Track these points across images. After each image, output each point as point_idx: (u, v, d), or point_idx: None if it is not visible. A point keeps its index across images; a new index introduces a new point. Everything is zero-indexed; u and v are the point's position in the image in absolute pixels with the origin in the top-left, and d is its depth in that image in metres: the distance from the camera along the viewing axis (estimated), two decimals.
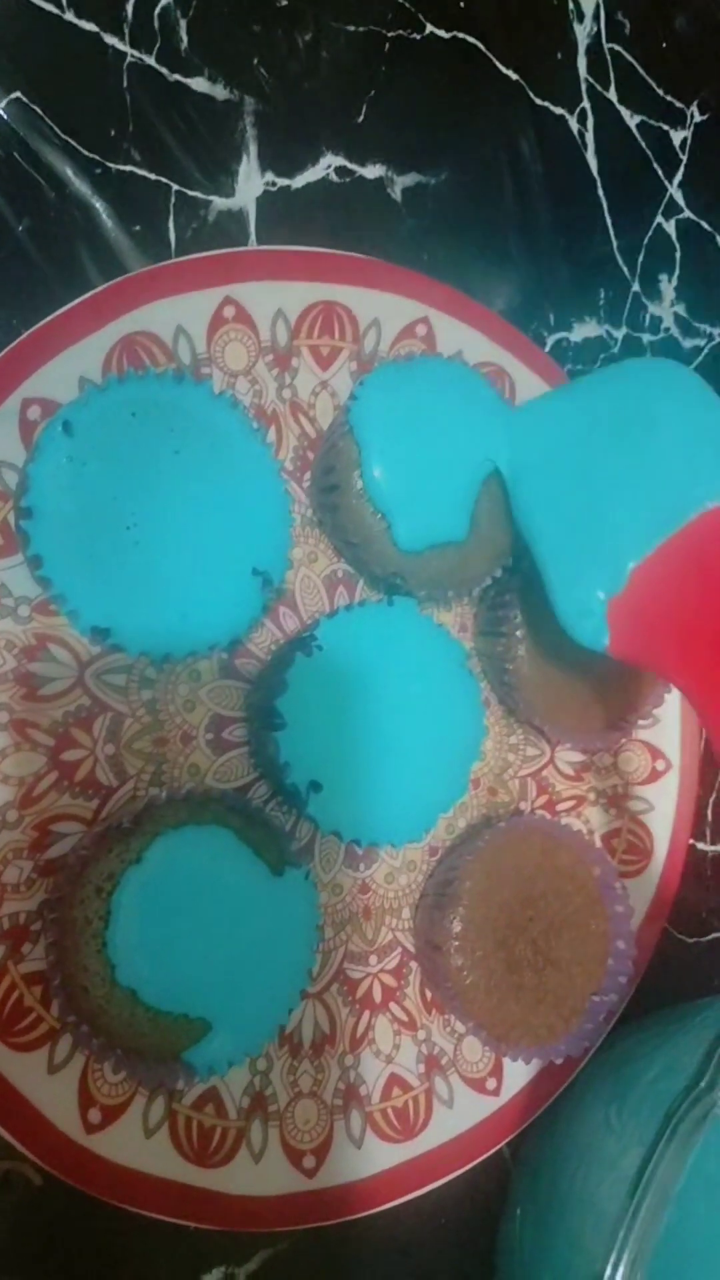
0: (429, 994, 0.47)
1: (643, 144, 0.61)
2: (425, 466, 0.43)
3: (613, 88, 0.60)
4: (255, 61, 0.48)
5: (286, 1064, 0.43)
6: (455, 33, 0.54)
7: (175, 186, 0.46)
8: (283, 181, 0.49)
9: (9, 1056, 0.37)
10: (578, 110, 0.58)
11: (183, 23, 0.46)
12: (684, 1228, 0.37)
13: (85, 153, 0.44)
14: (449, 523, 0.43)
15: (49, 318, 0.40)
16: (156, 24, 0.45)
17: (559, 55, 0.58)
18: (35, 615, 0.40)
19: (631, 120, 0.61)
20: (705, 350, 0.63)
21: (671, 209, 0.62)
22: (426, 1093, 0.46)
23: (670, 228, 0.62)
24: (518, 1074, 0.48)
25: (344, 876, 0.46)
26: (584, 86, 0.59)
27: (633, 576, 0.42)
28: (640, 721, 0.52)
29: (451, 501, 0.43)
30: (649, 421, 0.44)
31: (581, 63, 0.59)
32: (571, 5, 0.58)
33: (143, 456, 0.37)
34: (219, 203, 0.47)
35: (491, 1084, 0.48)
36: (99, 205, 0.44)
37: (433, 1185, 0.45)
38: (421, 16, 0.53)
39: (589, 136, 0.59)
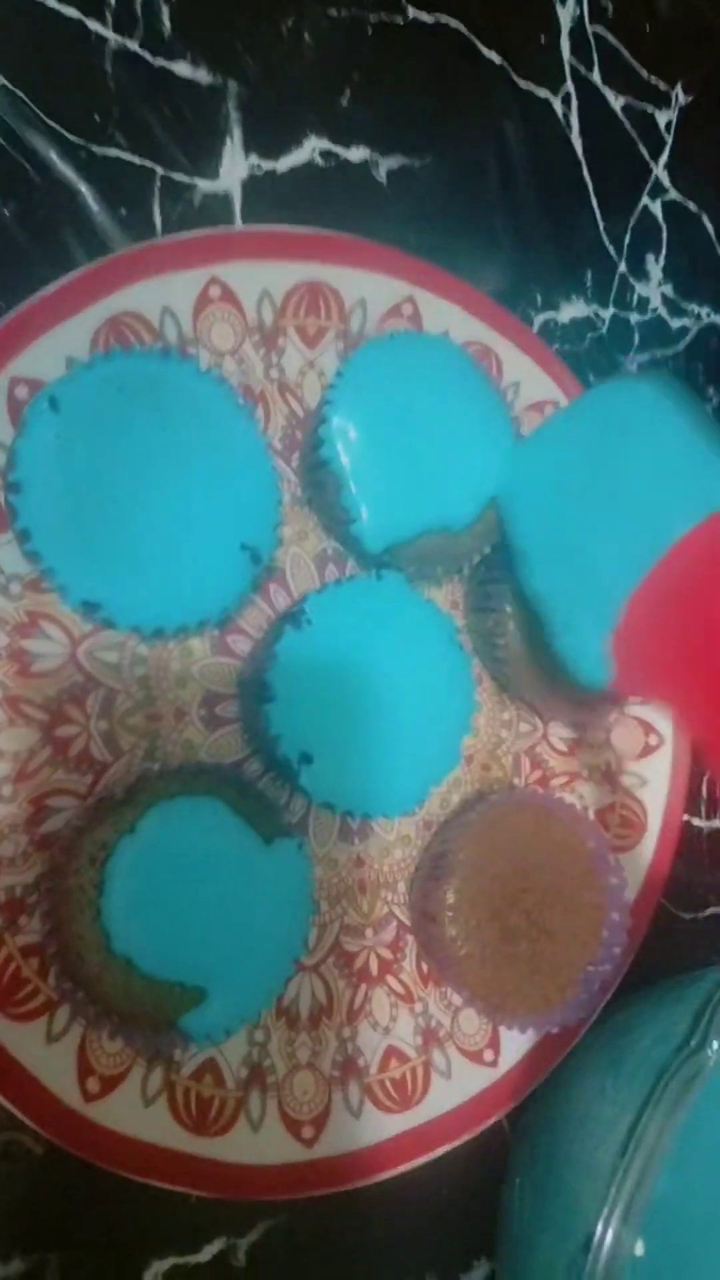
0: (425, 967, 0.47)
1: (628, 126, 0.62)
2: (408, 450, 0.43)
3: (596, 70, 0.60)
4: (238, 46, 0.48)
5: (284, 1036, 0.44)
6: (438, 16, 0.54)
7: (160, 170, 0.46)
8: (267, 164, 0.49)
9: (7, 1026, 0.38)
10: (562, 92, 0.59)
11: (165, 8, 0.46)
12: (680, 1188, 0.37)
13: (70, 137, 0.44)
14: (431, 511, 0.44)
15: (35, 297, 0.40)
16: (139, 9, 0.46)
17: (542, 38, 0.58)
18: (27, 592, 0.40)
19: (616, 102, 0.61)
20: (693, 330, 0.63)
21: (657, 190, 0.63)
22: (424, 1064, 0.47)
23: (656, 208, 0.63)
24: (515, 1046, 0.49)
25: (339, 851, 0.46)
26: (568, 69, 0.59)
27: (625, 611, 0.42)
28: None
29: (436, 485, 0.44)
30: (625, 449, 0.44)
31: (565, 45, 0.59)
32: None
33: (130, 432, 0.37)
34: (204, 186, 0.47)
35: (489, 1056, 0.48)
36: (84, 189, 0.45)
37: (431, 1155, 0.46)
38: (404, 0, 0.53)
39: (573, 119, 0.59)
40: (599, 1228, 0.35)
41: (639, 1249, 0.36)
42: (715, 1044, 0.37)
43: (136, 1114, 0.40)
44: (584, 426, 0.45)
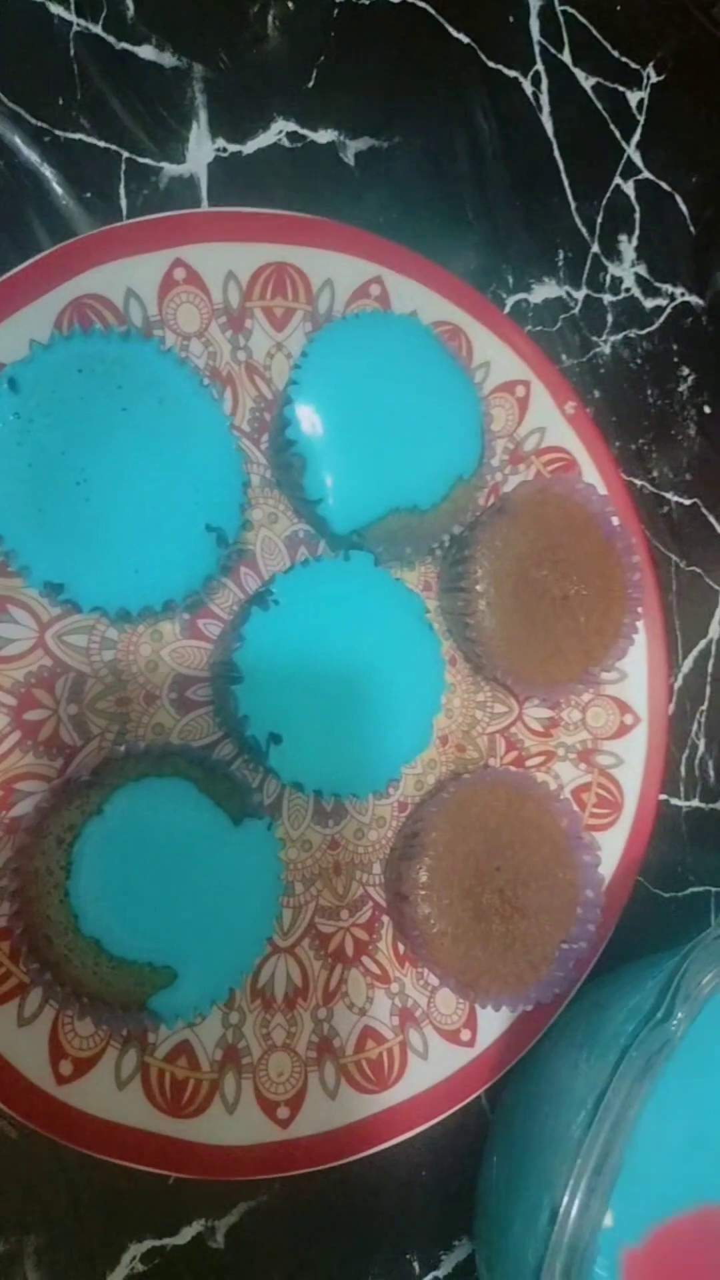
0: (401, 948, 0.48)
1: (599, 106, 0.62)
2: (374, 430, 0.43)
3: (566, 50, 0.60)
4: (203, 28, 0.48)
5: (259, 1017, 0.44)
6: None
7: (125, 154, 0.46)
8: (234, 147, 0.49)
9: None
10: (531, 73, 0.59)
11: None
12: (651, 1160, 0.38)
13: (33, 121, 0.44)
14: (399, 490, 0.44)
15: None
16: None
17: (511, 18, 0.58)
18: None
19: (587, 82, 0.61)
20: (667, 310, 0.63)
21: (630, 170, 0.63)
22: (401, 1044, 0.47)
23: (629, 188, 0.63)
24: (492, 1025, 0.49)
25: (312, 832, 0.46)
26: (537, 49, 0.59)
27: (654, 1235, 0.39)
28: (607, 676, 0.53)
29: (401, 467, 0.44)
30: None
31: (534, 25, 0.59)
32: None
33: (91, 413, 0.37)
34: (170, 169, 0.47)
35: (466, 1035, 0.48)
36: (48, 173, 0.44)
37: (408, 1134, 0.46)
38: None
39: (544, 99, 0.59)
40: (564, 1199, 0.35)
41: (608, 1220, 0.36)
42: (679, 1014, 0.37)
43: (110, 1096, 0.40)
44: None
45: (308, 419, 0.42)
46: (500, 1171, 0.45)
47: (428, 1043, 0.47)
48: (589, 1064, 0.43)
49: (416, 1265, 0.49)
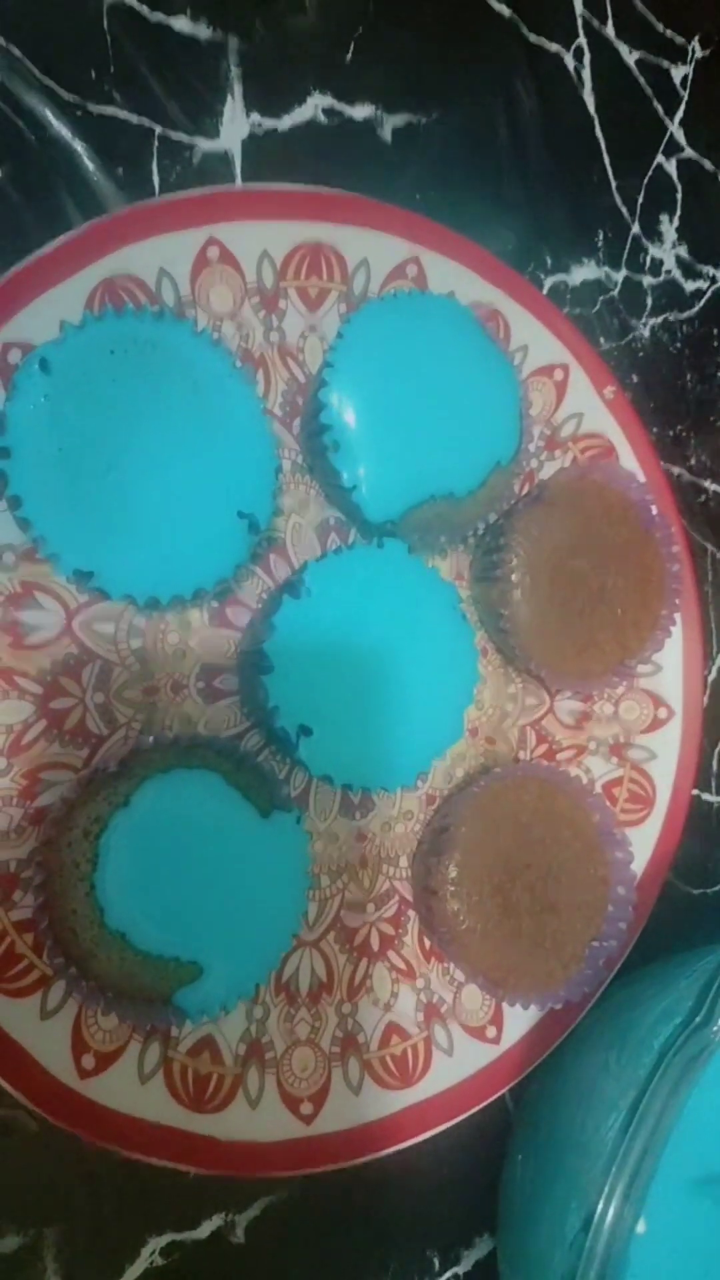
0: (428, 943, 0.47)
1: (642, 81, 0.60)
2: (410, 414, 0.42)
3: (610, 23, 0.58)
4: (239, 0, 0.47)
5: (283, 1011, 0.43)
6: None
7: (158, 129, 0.45)
8: (269, 123, 0.48)
9: (1, 1002, 0.38)
10: (574, 47, 0.57)
11: None
12: (683, 1166, 0.37)
13: (65, 95, 0.43)
14: (435, 477, 0.43)
15: (28, 260, 0.39)
16: None
17: None
18: (21, 563, 0.39)
19: (630, 57, 0.59)
20: (708, 293, 0.62)
21: (672, 148, 0.61)
22: (426, 1041, 0.46)
23: (671, 167, 0.61)
24: (518, 1022, 0.48)
25: (340, 825, 0.46)
26: (580, 22, 0.57)
27: None
28: (641, 668, 0.52)
29: (437, 453, 0.43)
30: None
31: None
32: None
33: (122, 395, 0.36)
34: (204, 145, 0.46)
35: (491, 1032, 0.47)
36: (80, 148, 0.43)
37: (433, 1131, 0.45)
38: None
39: (585, 74, 0.58)
40: (600, 1205, 0.34)
41: (641, 1227, 0.35)
42: None
43: (133, 1090, 0.40)
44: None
45: (343, 404, 0.41)
46: (525, 1170, 0.45)
47: (453, 1039, 0.47)
48: (619, 1065, 0.42)
49: (437, 1261, 0.49)
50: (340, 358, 0.41)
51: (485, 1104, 0.46)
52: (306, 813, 0.45)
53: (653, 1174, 0.34)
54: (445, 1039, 0.46)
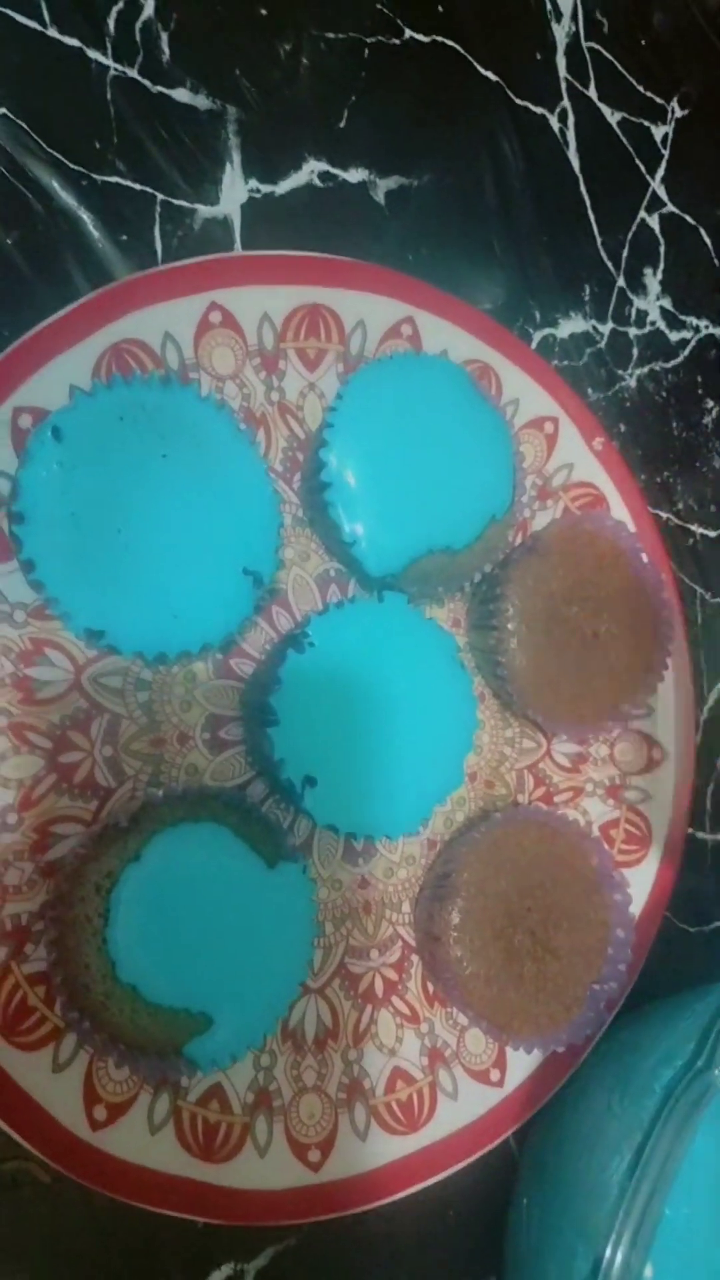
0: (431, 987, 0.47)
1: (624, 140, 0.62)
2: (408, 471, 0.43)
3: (593, 85, 0.61)
4: (237, 71, 0.49)
5: (290, 1059, 0.44)
6: (434, 36, 0.55)
7: (160, 196, 0.46)
8: (266, 188, 0.49)
9: (14, 1056, 0.38)
10: (558, 109, 0.59)
11: (164, 35, 0.47)
12: (688, 1210, 0.37)
13: (71, 165, 0.45)
14: (433, 531, 0.44)
15: (38, 327, 0.40)
16: (139, 37, 0.46)
17: (538, 55, 0.59)
18: (31, 620, 0.40)
19: (612, 117, 0.62)
20: (692, 342, 0.64)
21: (654, 204, 0.63)
22: (430, 1085, 0.46)
23: (654, 222, 0.63)
24: (521, 1065, 0.49)
25: (343, 872, 0.46)
26: (564, 85, 0.60)
27: None
28: (635, 711, 0.53)
29: (435, 507, 0.44)
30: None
31: (561, 62, 0.59)
32: (549, 5, 0.59)
33: (132, 460, 0.37)
34: (204, 211, 0.47)
35: (495, 1075, 0.48)
36: (85, 216, 0.45)
37: (439, 1177, 0.45)
38: (400, 21, 0.53)
39: (570, 135, 0.60)
40: (608, 1251, 0.35)
41: (648, 1271, 0.36)
42: None
43: (143, 1141, 0.40)
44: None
45: (343, 463, 0.42)
46: (530, 1213, 0.45)
47: (457, 1083, 0.47)
48: (622, 1107, 0.42)
49: None
50: (340, 418, 0.43)
51: (490, 1148, 0.47)
52: (310, 860, 0.46)
53: (659, 1218, 0.34)
54: (450, 1083, 0.47)
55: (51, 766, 0.41)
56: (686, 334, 0.64)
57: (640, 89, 0.63)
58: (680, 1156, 0.35)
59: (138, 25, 0.46)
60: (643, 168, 0.63)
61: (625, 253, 0.62)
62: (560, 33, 0.59)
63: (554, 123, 0.59)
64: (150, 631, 0.38)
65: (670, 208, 0.64)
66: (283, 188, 0.50)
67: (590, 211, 0.60)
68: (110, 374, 0.41)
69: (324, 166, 0.51)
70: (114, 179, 0.45)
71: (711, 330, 0.65)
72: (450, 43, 0.55)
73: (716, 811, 0.62)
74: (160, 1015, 0.37)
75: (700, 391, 0.64)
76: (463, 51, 0.56)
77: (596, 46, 0.61)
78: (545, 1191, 0.44)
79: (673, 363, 0.63)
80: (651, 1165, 0.35)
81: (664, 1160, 0.35)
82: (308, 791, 0.41)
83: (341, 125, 0.52)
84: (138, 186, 0.46)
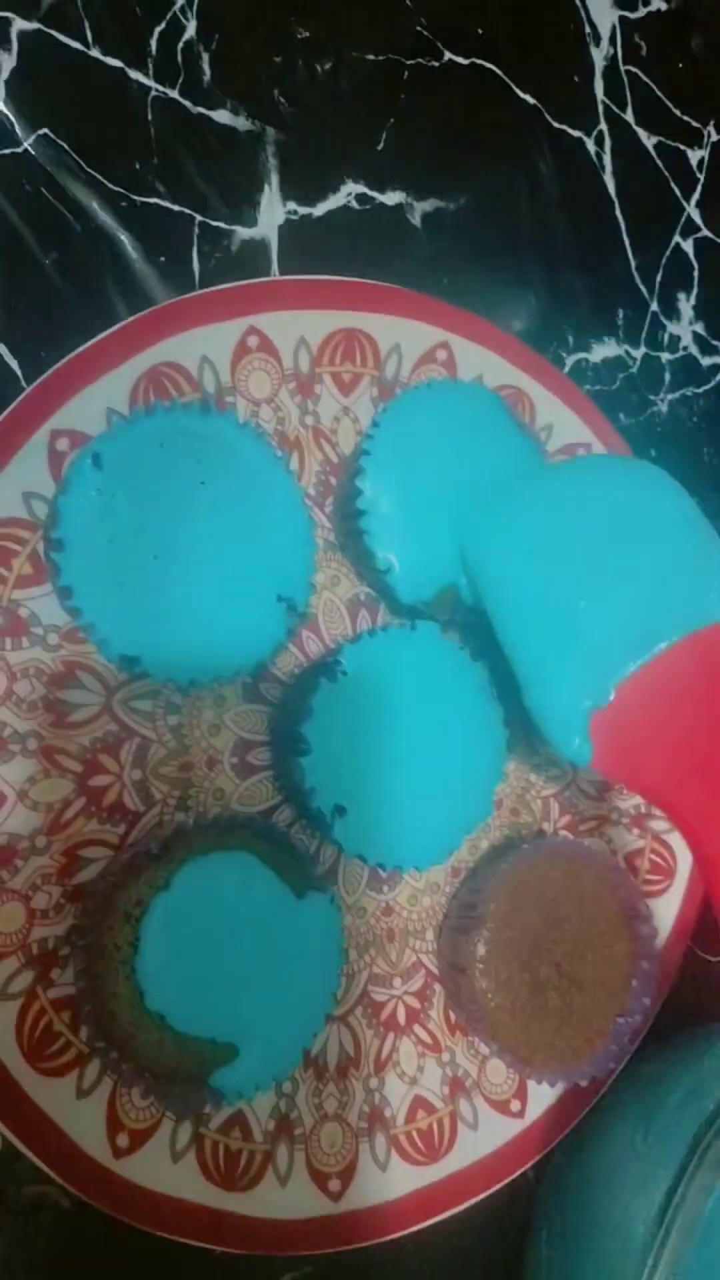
0: (453, 1016, 0.47)
1: (660, 164, 0.62)
2: (443, 499, 0.43)
3: (630, 109, 0.60)
4: (276, 92, 0.49)
5: (311, 1087, 0.44)
6: (473, 59, 0.54)
7: (199, 217, 0.46)
8: (304, 210, 0.49)
9: (38, 1082, 0.38)
10: (595, 132, 0.59)
11: (205, 56, 0.47)
12: (714, 1255, 0.37)
13: (110, 186, 0.45)
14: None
15: (76, 351, 0.40)
16: (180, 58, 0.46)
17: (576, 78, 0.58)
18: (64, 643, 0.40)
19: (649, 141, 0.61)
20: None
21: (689, 228, 0.63)
22: (451, 1115, 0.46)
23: (688, 246, 0.63)
24: (542, 1096, 0.48)
25: (368, 899, 0.46)
26: (601, 109, 0.59)
27: (617, 692, 0.41)
28: None
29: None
30: (634, 530, 0.43)
31: (599, 85, 0.59)
32: (588, 28, 0.59)
33: (170, 487, 0.37)
34: (242, 232, 0.47)
35: (516, 1106, 0.48)
36: (124, 237, 0.45)
37: (458, 1209, 0.45)
38: (440, 44, 0.53)
39: (606, 158, 0.59)
40: None
41: None
42: None
43: (165, 1169, 0.40)
44: (586, 491, 0.44)
45: (378, 491, 0.42)
46: (550, 1249, 0.45)
47: (478, 1113, 0.47)
48: (647, 1145, 0.42)
49: None
50: (376, 445, 0.42)
51: (510, 1179, 0.47)
52: (335, 886, 0.45)
53: (691, 1265, 0.34)
54: (470, 1113, 0.47)
55: (80, 790, 0.40)
56: (718, 359, 0.63)
57: (677, 113, 0.62)
58: (708, 1204, 0.35)
59: (179, 46, 0.46)
60: (678, 192, 0.62)
61: (659, 277, 0.61)
62: (598, 56, 0.59)
63: (590, 146, 0.59)
64: (185, 659, 0.38)
65: (705, 232, 0.63)
66: (320, 209, 0.50)
67: (625, 235, 0.60)
68: (148, 398, 0.41)
69: (362, 189, 0.51)
70: (153, 200, 0.45)
71: None
72: (489, 65, 0.55)
73: None
74: (187, 1045, 0.37)
75: None
76: (501, 74, 0.55)
77: (635, 70, 0.60)
78: (566, 1226, 0.44)
79: (704, 388, 0.63)
80: (681, 1213, 0.35)
81: (693, 1211, 0.35)
82: (337, 821, 0.40)
83: (380, 147, 0.51)
84: (176, 208, 0.46)
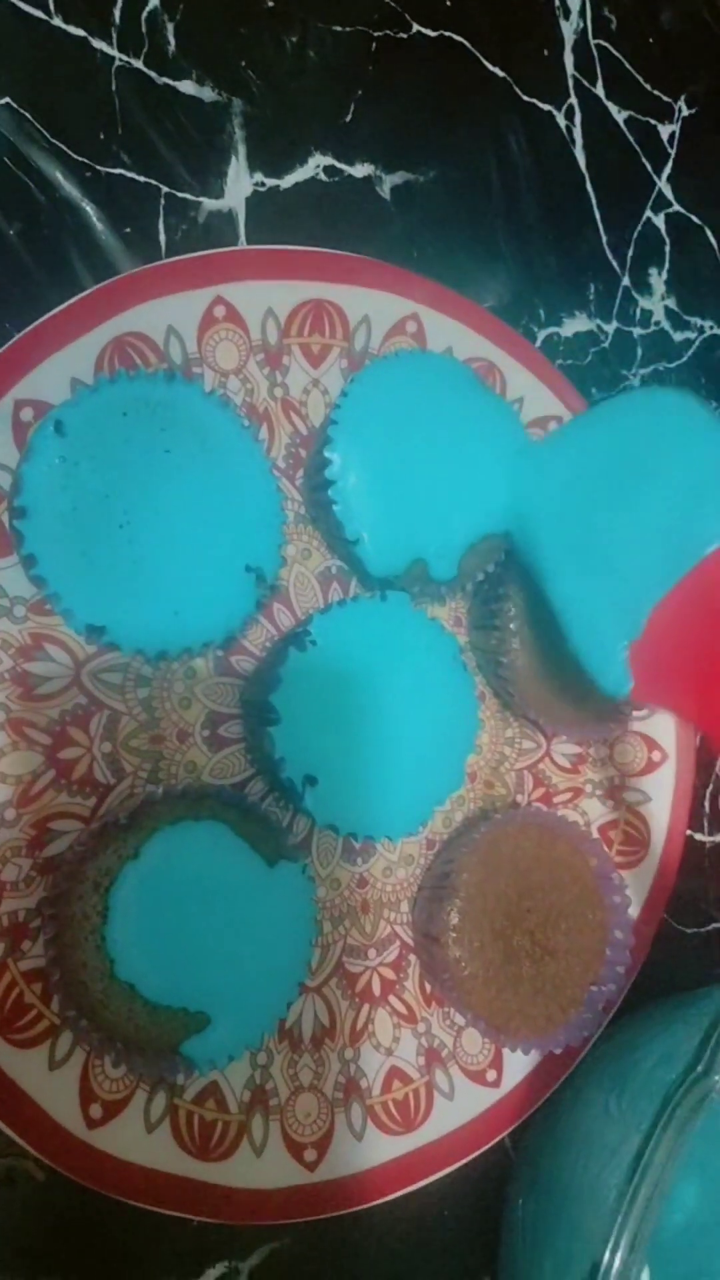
0: (428, 987, 0.47)
1: (631, 139, 0.62)
2: (413, 470, 0.43)
3: (600, 83, 0.60)
4: (243, 63, 0.48)
5: (287, 1058, 0.44)
6: (442, 31, 0.54)
7: (165, 188, 0.46)
8: (271, 182, 0.49)
9: (10, 1053, 0.38)
10: (565, 106, 0.59)
11: (170, 26, 0.46)
12: (686, 1214, 0.37)
13: (75, 156, 0.44)
14: (437, 533, 0.44)
15: (40, 320, 0.40)
16: (144, 27, 0.46)
17: (546, 52, 0.58)
18: (31, 615, 0.40)
19: (619, 115, 0.61)
20: (696, 343, 0.63)
21: (660, 203, 0.63)
22: (427, 1085, 0.46)
23: (660, 221, 0.63)
24: (518, 1065, 0.48)
25: (341, 871, 0.46)
26: (571, 83, 0.59)
27: (650, 620, 0.42)
28: (636, 713, 0.53)
29: (441, 504, 0.44)
30: (658, 457, 0.43)
31: (568, 59, 0.59)
32: (558, 1, 0.59)
33: (135, 455, 0.37)
34: (209, 204, 0.47)
35: (491, 1075, 0.48)
36: (89, 208, 0.44)
37: (434, 1177, 0.45)
38: (408, 16, 0.53)
39: (577, 132, 0.59)
40: (605, 1256, 0.35)
41: (645, 1276, 0.36)
42: None
43: (139, 1139, 0.40)
44: (605, 435, 0.45)
45: (347, 461, 0.42)
46: (526, 1214, 0.45)
47: (454, 1083, 0.47)
48: (620, 1110, 0.42)
49: None
50: (344, 416, 0.42)
51: (486, 1148, 0.47)
52: (309, 858, 0.45)
53: (657, 1224, 0.34)
54: (446, 1083, 0.47)
55: (50, 762, 0.40)
56: (691, 334, 0.63)
57: (648, 87, 0.62)
58: (679, 1162, 0.35)
59: (144, 16, 0.46)
60: (649, 166, 0.62)
61: (630, 252, 0.61)
62: (568, 29, 0.59)
63: (561, 120, 0.59)
64: (152, 629, 0.38)
65: (676, 207, 0.63)
66: (288, 181, 0.49)
67: (596, 210, 0.60)
68: (113, 368, 0.41)
69: (329, 161, 0.50)
70: (118, 171, 0.45)
71: (716, 331, 0.64)
72: (458, 38, 0.55)
73: (715, 814, 0.61)
74: (158, 1014, 0.37)
75: (704, 393, 0.64)
76: (470, 47, 0.55)
77: (604, 44, 0.60)
78: (541, 1193, 0.44)
79: (676, 363, 0.63)
80: (650, 1171, 0.35)
81: (662, 1166, 0.35)
82: (308, 791, 0.40)
83: (347, 119, 0.51)
84: (142, 179, 0.46)
